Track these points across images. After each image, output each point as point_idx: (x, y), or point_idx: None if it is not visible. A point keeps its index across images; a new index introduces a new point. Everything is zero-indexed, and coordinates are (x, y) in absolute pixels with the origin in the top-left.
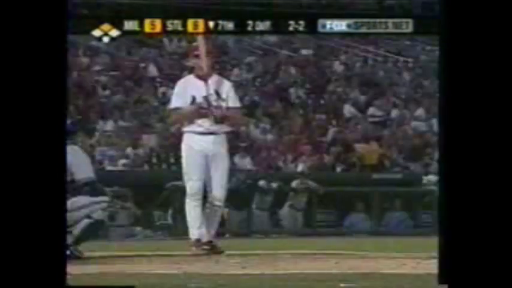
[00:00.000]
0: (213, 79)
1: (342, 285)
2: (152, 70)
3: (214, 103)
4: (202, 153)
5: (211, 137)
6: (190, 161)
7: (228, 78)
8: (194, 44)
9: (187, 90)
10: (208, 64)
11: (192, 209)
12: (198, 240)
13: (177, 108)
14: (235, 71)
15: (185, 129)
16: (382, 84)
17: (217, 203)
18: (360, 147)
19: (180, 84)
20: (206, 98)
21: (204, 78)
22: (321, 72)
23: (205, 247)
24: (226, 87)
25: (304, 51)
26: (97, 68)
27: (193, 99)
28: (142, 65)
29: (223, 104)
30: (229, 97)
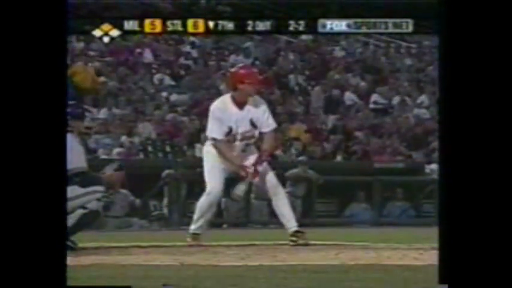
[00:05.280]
0: (250, 104)
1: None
2: (148, 56)
3: (248, 134)
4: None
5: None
6: (213, 163)
7: (225, 64)
8: (253, 69)
9: (224, 120)
10: (255, 93)
11: (208, 207)
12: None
13: (215, 139)
14: (233, 56)
15: (208, 148)
16: (384, 70)
17: (278, 194)
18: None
19: (218, 110)
20: (243, 133)
21: (241, 104)
22: (321, 59)
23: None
24: (261, 111)
25: (303, 37)
26: (91, 53)
27: (230, 130)
28: (138, 50)
29: (257, 133)
30: (263, 122)
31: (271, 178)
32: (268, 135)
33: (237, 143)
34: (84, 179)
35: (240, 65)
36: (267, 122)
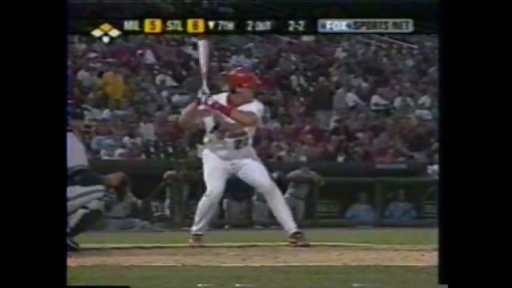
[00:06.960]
0: (244, 104)
1: (355, 285)
2: (149, 57)
3: (237, 131)
4: (226, 160)
5: (234, 160)
6: (213, 165)
7: (227, 65)
8: (251, 73)
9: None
10: (253, 97)
11: (208, 208)
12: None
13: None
14: (234, 57)
15: (206, 151)
16: (385, 71)
17: (275, 195)
18: None
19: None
20: (231, 130)
21: (236, 106)
22: (323, 59)
23: (293, 239)
24: (253, 106)
25: (305, 38)
26: (93, 55)
27: (218, 124)
28: (140, 51)
29: (246, 129)
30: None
31: (266, 179)
32: (244, 111)
33: (227, 139)
34: (85, 178)
35: (238, 68)
36: (250, 111)
